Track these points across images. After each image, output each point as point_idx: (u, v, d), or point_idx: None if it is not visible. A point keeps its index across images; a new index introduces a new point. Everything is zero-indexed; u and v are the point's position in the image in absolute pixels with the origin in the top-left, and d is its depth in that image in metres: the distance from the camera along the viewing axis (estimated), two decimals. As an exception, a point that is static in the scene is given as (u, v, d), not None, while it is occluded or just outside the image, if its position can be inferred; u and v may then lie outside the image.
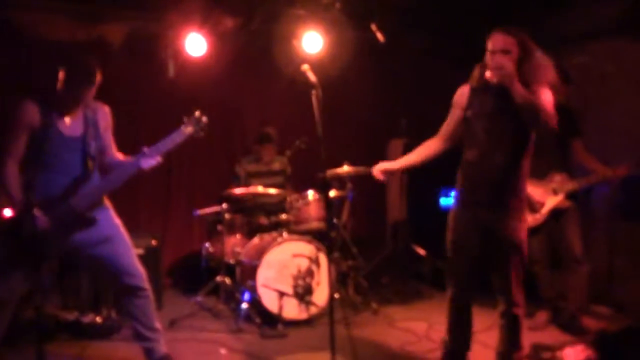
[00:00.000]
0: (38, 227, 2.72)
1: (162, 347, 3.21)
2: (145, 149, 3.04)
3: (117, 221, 3.16)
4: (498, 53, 2.81)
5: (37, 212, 2.76)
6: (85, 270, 4.31)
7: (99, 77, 3.00)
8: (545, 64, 2.89)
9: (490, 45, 2.85)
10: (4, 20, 4.77)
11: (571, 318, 4.00)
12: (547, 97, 2.83)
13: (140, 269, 3.14)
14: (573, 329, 3.94)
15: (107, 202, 3.16)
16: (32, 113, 2.90)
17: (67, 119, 3.00)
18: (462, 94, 3.10)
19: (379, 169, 3.29)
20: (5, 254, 2.88)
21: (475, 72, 3.04)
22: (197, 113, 3.19)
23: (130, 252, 3.14)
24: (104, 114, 3.18)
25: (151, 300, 3.18)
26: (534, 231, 4.02)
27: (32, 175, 2.85)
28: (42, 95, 2.97)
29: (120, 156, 3.24)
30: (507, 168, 2.95)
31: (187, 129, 3.14)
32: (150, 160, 3.04)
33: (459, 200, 3.11)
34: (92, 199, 3.00)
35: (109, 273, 3.13)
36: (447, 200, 5.51)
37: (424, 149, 3.25)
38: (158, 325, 3.22)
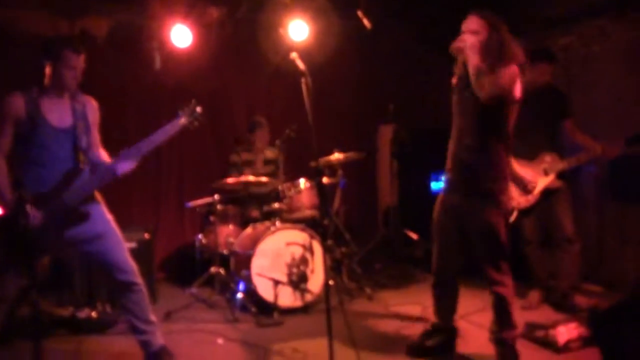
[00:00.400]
0: (31, 223, 2.69)
1: (159, 339, 3.22)
2: (133, 149, 3.00)
3: (109, 216, 3.14)
4: (467, 33, 2.93)
5: (29, 208, 2.73)
6: (78, 266, 4.32)
7: (82, 50, 2.96)
8: (514, 46, 2.94)
9: (463, 26, 2.98)
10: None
11: (563, 296, 4.05)
12: (510, 72, 2.86)
13: (131, 264, 3.13)
14: (565, 307, 3.99)
15: (99, 197, 3.14)
16: (17, 105, 2.87)
17: (55, 110, 2.96)
18: (455, 80, 3.16)
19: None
20: (1, 251, 2.86)
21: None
22: (192, 102, 3.15)
23: (122, 247, 3.13)
24: (93, 109, 3.14)
25: (145, 294, 3.18)
26: (526, 212, 4.07)
27: (23, 171, 2.83)
28: (27, 88, 2.94)
29: (102, 154, 3.18)
30: (476, 150, 2.99)
31: (181, 120, 3.11)
32: (124, 165, 2.99)
33: (444, 183, 3.22)
34: (84, 194, 2.98)
35: (102, 269, 3.14)
36: (438, 185, 5.54)
37: None
38: (153, 317, 3.23)
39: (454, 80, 3.13)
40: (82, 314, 3.96)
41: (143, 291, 3.17)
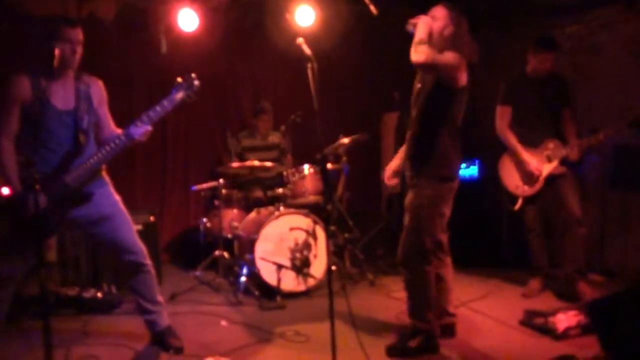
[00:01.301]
0: (40, 204, 2.73)
1: (165, 320, 3.28)
2: (137, 121, 3.02)
3: (117, 197, 3.16)
4: (428, 16, 3.09)
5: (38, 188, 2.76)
6: (83, 247, 4.37)
7: (77, 23, 2.98)
8: (468, 42, 3.14)
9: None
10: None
11: (568, 282, 4.04)
12: (452, 56, 2.98)
13: (140, 245, 3.17)
14: (569, 294, 4.00)
15: (107, 178, 3.16)
16: (22, 87, 2.88)
17: (59, 92, 2.97)
18: None
19: (387, 178, 3.56)
20: (6, 231, 2.90)
21: None
22: (191, 75, 3.13)
23: (130, 228, 3.15)
24: (98, 88, 3.14)
25: (152, 275, 3.23)
26: (531, 199, 4.10)
27: (31, 152, 2.84)
28: (33, 69, 2.95)
29: (118, 131, 3.20)
30: (417, 137, 3.17)
31: (178, 95, 3.09)
32: (139, 130, 3.00)
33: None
34: (86, 174, 2.98)
35: (110, 249, 3.18)
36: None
37: None
38: (160, 298, 3.28)
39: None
40: (88, 294, 4.03)
41: (151, 272, 3.22)
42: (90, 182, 3.02)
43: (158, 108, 3.05)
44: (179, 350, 3.21)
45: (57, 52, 2.86)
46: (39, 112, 2.90)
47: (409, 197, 3.17)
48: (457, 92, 3.05)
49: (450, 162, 3.13)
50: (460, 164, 3.28)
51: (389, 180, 3.53)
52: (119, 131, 3.18)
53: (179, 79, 3.14)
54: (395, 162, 3.51)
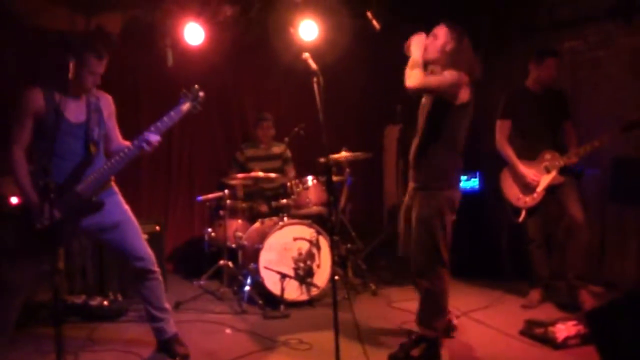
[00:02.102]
0: (55, 213, 2.79)
1: (172, 327, 3.33)
2: (146, 132, 3.11)
3: (126, 206, 3.24)
4: (429, 36, 3.18)
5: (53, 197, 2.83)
6: (90, 255, 4.44)
7: (105, 55, 3.06)
8: (471, 58, 3.18)
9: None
10: (4, 11, 4.82)
11: (570, 289, 4.08)
12: (452, 75, 3.06)
13: (149, 252, 3.24)
14: (570, 303, 4.03)
15: (116, 187, 3.24)
16: (37, 100, 2.96)
17: (71, 105, 3.05)
18: None
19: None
20: (19, 240, 2.97)
21: None
22: (195, 87, 3.25)
23: (139, 236, 3.23)
24: (107, 102, 3.25)
25: (161, 282, 3.29)
26: (532, 211, 4.16)
27: (46, 161, 2.92)
28: (47, 83, 3.03)
29: (126, 143, 3.31)
30: (420, 150, 3.25)
31: (185, 106, 3.20)
32: (150, 139, 3.09)
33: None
34: (97, 184, 3.06)
35: (120, 256, 3.25)
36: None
37: None
38: (167, 305, 3.33)
39: None
40: (94, 302, 4.09)
41: (159, 279, 3.28)
42: (101, 191, 3.09)
43: (166, 119, 3.15)
44: (185, 358, 3.27)
45: (71, 65, 2.95)
46: (53, 125, 2.98)
47: (416, 209, 3.20)
48: (457, 109, 3.11)
49: (447, 174, 3.20)
50: (460, 176, 3.36)
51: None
52: (126, 143, 3.27)
53: (184, 91, 3.24)
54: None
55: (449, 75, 3.05)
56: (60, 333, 2.40)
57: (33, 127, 2.99)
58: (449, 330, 3.48)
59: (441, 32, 3.17)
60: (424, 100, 3.31)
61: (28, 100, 2.97)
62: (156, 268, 3.25)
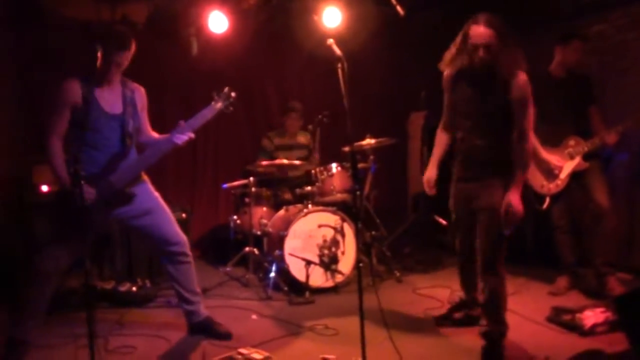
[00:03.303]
0: (87, 200, 2.85)
1: (204, 310, 3.44)
2: (181, 123, 3.19)
3: (156, 193, 3.32)
4: (481, 48, 2.95)
5: (85, 184, 2.89)
6: (118, 242, 4.53)
7: (133, 44, 3.11)
8: (519, 54, 3.05)
9: (472, 38, 2.99)
10: (30, 2, 4.90)
11: (598, 276, 4.03)
12: (522, 80, 3.01)
13: (182, 236, 3.33)
14: (598, 290, 3.98)
15: (145, 176, 3.31)
16: (74, 91, 3.02)
17: (107, 96, 3.13)
18: (446, 79, 3.31)
19: (427, 186, 3.58)
20: (54, 227, 3.05)
21: (450, 56, 3.19)
22: (226, 89, 3.33)
23: (171, 221, 3.32)
24: (141, 95, 3.33)
25: (193, 266, 3.39)
26: (555, 198, 4.11)
27: (80, 152, 2.97)
28: (82, 73, 3.10)
29: (155, 135, 3.40)
30: (487, 149, 3.10)
31: (217, 105, 3.29)
32: (183, 136, 3.18)
33: (454, 173, 3.38)
34: (130, 176, 3.16)
35: (153, 241, 3.33)
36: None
37: (440, 147, 3.58)
38: (199, 289, 3.43)
39: (449, 77, 3.26)
40: (123, 287, 4.16)
41: (191, 263, 3.37)
42: (133, 183, 3.18)
43: (198, 117, 3.24)
44: (227, 336, 3.37)
45: (99, 54, 3.00)
46: (90, 116, 3.06)
47: (485, 199, 3.09)
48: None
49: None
50: None
51: (431, 190, 3.56)
52: (155, 135, 3.34)
53: (216, 93, 3.32)
54: (433, 172, 3.54)
55: (523, 81, 3.02)
56: (91, 318, 2.45)
57: (70, 118, 3.05)
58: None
59: (490, 37, 2.96)
60: (469, 91, 3.19)
61: (66, 91, 3.03)
62: (189, 252, 3.35)
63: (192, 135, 3.21)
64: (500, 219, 2.99)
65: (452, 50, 3.16)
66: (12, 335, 3.05)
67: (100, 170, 3.09)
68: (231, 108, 3.34)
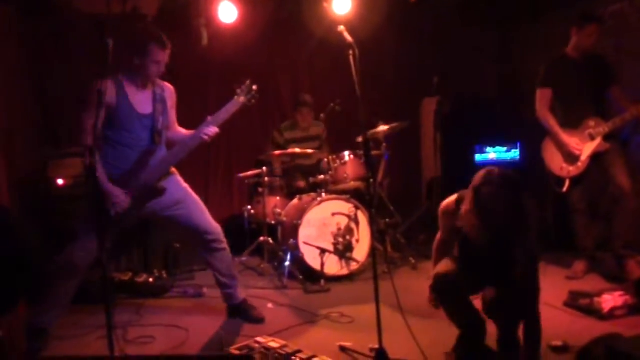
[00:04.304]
0: (120, 205, 3.04)
1: (241, 293, 3.56)
2: (209, 118, 3.27)
3: (185, 184, 3.39)
4: None
5: (118, 189, 3.03)
6: (135, 235, 4.56)
7: (169, 44, 3.17)
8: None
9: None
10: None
11: (617, 260, 3.99)
12: None
13: (214, 225, 3.42)
14: (617, 274, 3.94)
15: (173, 169, 3.38)
16: (108, 91, 3.05)
17: (138, 95, 3.19)
18: None
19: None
20: (86, 222, 3.09)
21: None
22: (247, 82, 3.37)
23: (202, 210, 3.40)
24: (171, 93, 3.40)
25: (228, 252, 3.48)
26: (576, 181, 4.06)
27: (111, 151, 3.14)
28: (116, 73, 3.14)
29: (182, 130, 3.48)
30: None
31: (240, 99, 3.35)
32: (209, 131, 3.26)
33: None
34: (161, 172, 3.24)
35: (187, 231, 3.42)
36: (483, 157, 5.54)
37: None
38: (236, 273, 3.55)
39: None
40: (140, 279, 4.21)
41: (227, 250, 3.47)
42: (163, 178, 3.25)
43: (223, 111, 3.31)
44: (260, 320, 3.48)
45: (110, 45, 3.00)
46: (122, 115, 3.13)
47: None
48: None
49: None
50: None
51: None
52: (183, 130, 3.43)
53: (237, 86, 3.37)
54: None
55: None
56: (110, 309, 2.48)
57: (103, 117, 3.09)
58: None
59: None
60: None
61: (100, 92, 3.02)
62: (223, 239, 3.44)
63: (216, 129, 3.27)
64: None
65: None
66: (36, 325, 3.10)
67: (132, 167, 3.16)
68: (253, 101, 3.40)
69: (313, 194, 4.66)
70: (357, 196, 4.68)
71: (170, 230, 4.48)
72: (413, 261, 4.71)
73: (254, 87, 3.37)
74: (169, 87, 3.39)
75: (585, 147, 4.00)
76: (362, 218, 4.47)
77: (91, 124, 2.98)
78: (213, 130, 3.26)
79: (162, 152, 3.29)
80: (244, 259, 4.96)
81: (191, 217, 3.35)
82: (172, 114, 3.43)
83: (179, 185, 3.37)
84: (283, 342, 3.02)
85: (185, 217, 3.33)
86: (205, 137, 3.25)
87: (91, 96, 3.02)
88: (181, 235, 4.58)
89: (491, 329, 2.88)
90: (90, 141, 3.00)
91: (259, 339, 3.08)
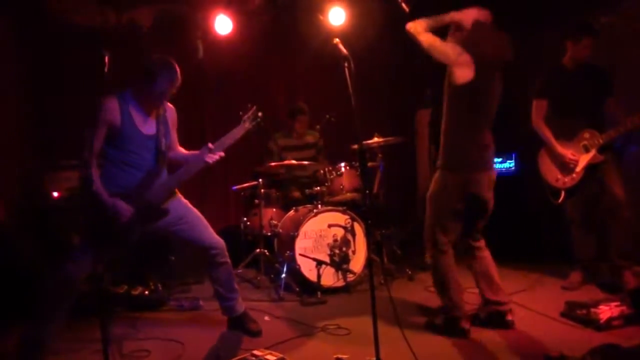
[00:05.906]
0: (124, 217, 3.03)
1: (241, 306, 3.57)
2: (210, 145, 3.28)
3: (186, 201, 3.41)
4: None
5: (121, 202, 3.02)
6: (131, 248, 4.54)
7: (179, 79, 3.20)
8: (486, 41, 3.29)
9: None
10: (37, 9, 4.93)
11: (613, 271, 4.00)
12: (444, 46, 3.39)
13: (217, 240, 3.42)
14: (613, 284, 3.94)
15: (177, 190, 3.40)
16: (113, 110, 3.07)
17: (142, 116, 3.18)
18: None
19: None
20: (86, 236, 3.10)
21: None
22: (253, 109, 3.46)
23: (204, 225, 3.41)
24: (172, 113, 3.41)
25: (230, 266, 3.50)
26: (571, 192, 4.07)
27: (116, 171, 3.13)
28: (118, 91, 3.14)
29: (183, 151, 3.48)
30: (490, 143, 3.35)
31: (246, 125, 3.42)
32: (214, 156, 3.29)
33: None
34: (164, 193, 3.25)
35: (190, 246, 3.43)
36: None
37: None
38: (237, 286, 3.56)
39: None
40: (136, 291, 4.18)
41: (229, 263, 3.48)
42: (168, 199, 3.27)
43: (229, 136, 3.36)
44: (257, 334, 3.48)
45: (107, 59, 3.01)
46: (126, 136, 3.12)
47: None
48: (460, 88, 3.20)
49: (457, 154, 3.30)
50: (479, 157, 3.33)
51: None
52: (183, 151, 3.45)
53: (243, 113, 3.46)
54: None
55: (448, 48, 3.27)
56: (104, 323, 2.46)
57: (106, 136, 3.10)
58: (496, 318, 3.46)
59: (468, 11, 3.27)
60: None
61: (104, 110, 3.06)
62: (225, 253, 3.45)
63: (222, 154, 3.32)
64: None
65: None
66: (30, 338, 3.06)
67: (136, 186, 3.16)
68: (262, 124, 3.50)
69: (309, 206, 4.66)
70: (353, 207, 4.68)
71: (172, 243, 4.48)
72: (410, 272, 4.71)
73: (260, 114, 3.45)
74: (170, 108, 3.39)
75: (580, 158, 4.02)
76: (358, 229, 4.48)
77: (94, 143, 3.05)
78: (218, 155, 3.31)
79: (165, 172, 3.31)
80: (240, 271, 4.93)
81: (192, 232, 3.36)
82: (174, 134, 3.43)
83: (180, 201, 3.39)
84: (280, 355, 3.00)
85: (188, 232, 3.35)
86: (210, 162, 3.29)
87: (96, 114, 3.05)
88: (177, 248, 4.57)
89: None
90: (89, 156, 3.02)
91: (255, 352, 3.05)
